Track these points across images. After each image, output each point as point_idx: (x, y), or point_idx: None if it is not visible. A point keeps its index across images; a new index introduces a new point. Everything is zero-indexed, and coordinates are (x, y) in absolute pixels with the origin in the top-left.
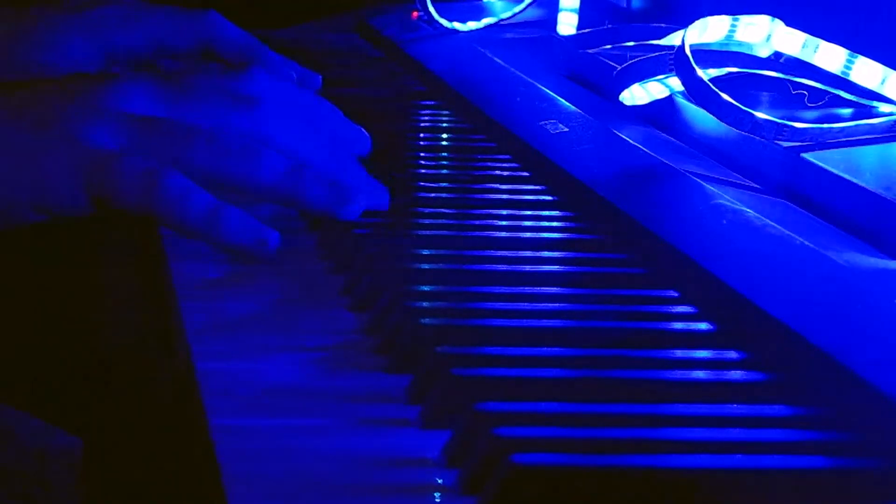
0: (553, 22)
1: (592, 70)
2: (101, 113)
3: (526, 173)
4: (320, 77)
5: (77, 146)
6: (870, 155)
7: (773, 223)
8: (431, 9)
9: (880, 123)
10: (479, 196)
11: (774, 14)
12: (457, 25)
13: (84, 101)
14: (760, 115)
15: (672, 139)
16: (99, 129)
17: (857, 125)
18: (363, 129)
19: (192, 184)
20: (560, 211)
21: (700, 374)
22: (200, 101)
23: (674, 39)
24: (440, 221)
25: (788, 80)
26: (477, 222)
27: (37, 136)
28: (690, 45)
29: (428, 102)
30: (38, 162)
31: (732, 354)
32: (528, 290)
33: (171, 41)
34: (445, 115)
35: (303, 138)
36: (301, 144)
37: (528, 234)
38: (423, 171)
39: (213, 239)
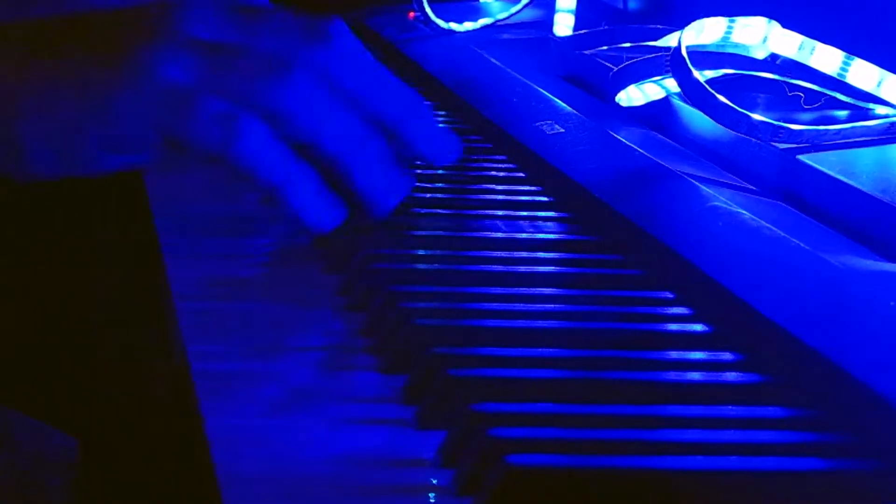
0: (549, 23)
1: (589, 71)
2: (171, 41)
3: (522, 174)
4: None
5: (149, 80)
6: (865, 157)
7: (768, 225)
8: (428, 9)
9: (876, 125)
10: (475, 196)
11: (771, 16)
12: (453, 26)
13: (154, 30)
14: (756, 116)
15: (668, 140)
16: (171, 60)
17: (853, 127)
18: (443, 134)
19: (270, 138)
20: (556, 212)
21: (695, 375)
22: (273, 32)
23: (670, 41)
24: (436, 222)
25: (785, 82)
26: (473, 222)
27: (108, 69)
28: (687, 47)
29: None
30: (109, 96)
31: (728, 356)
32: (523, 290)
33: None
34: (442, 116)
35: (369, 93)
36: (369, 98)
37: (523, 235)
38: (419, 171)
39: (281, 200)
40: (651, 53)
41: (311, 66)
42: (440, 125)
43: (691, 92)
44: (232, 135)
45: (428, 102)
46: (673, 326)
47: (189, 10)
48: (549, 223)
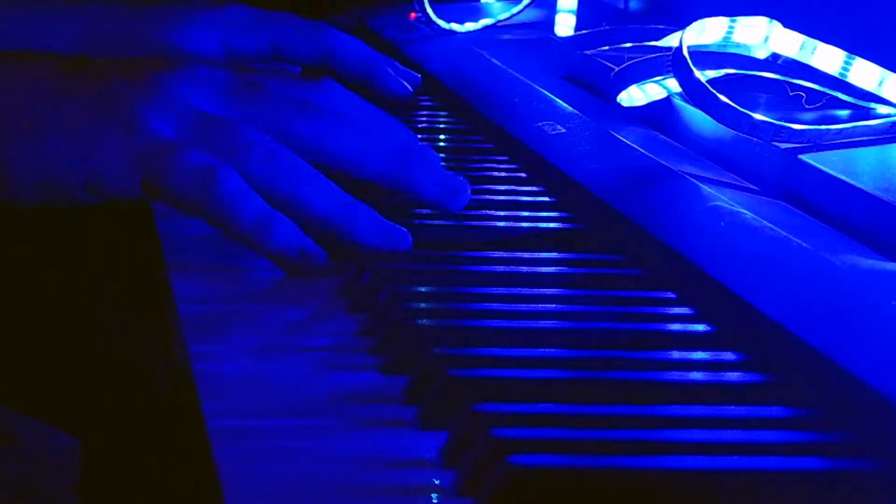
0: (551, 23)
1: (590, 71)
2: (164, 101)
3: (523, 174)
4: (419, 76)
5: (136, 131)
6: (867, 156)
7: (770, 225)
8: (429, 10)
9: (878, 125)
10: (476, 197)
11: (772, 15)
12: (454, 26)
13: (149, 87)
14: (758, 116)
15: (669, 140)
16: (160, 117)
17: (854, 127)
18: (431, 149)
19: (247, 187)
20: (558, 212)
21: (697, 375)
22: (265, 104)
23: (671, 41)
24: (438, 222)
25: (786, 82)
26: (474, 223)
27: (97, 117)
28: (688, 47)
29: (425, 103)
30: (95, 143)
31: (730, 356)
32: (525, 291)
33: (289, 50)
34: (443, 116)
35: (367, 153)
36: (367, 158)
37: (525, 235)
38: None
39: (259, 245)
40: (652, 53)
41: (301, 140)
42: (445, 169)
43: (693, 92)
44: (209, 184)
45: (432, 150)
46: (675, 326)
47: (190, 80)
48: (551, 223)
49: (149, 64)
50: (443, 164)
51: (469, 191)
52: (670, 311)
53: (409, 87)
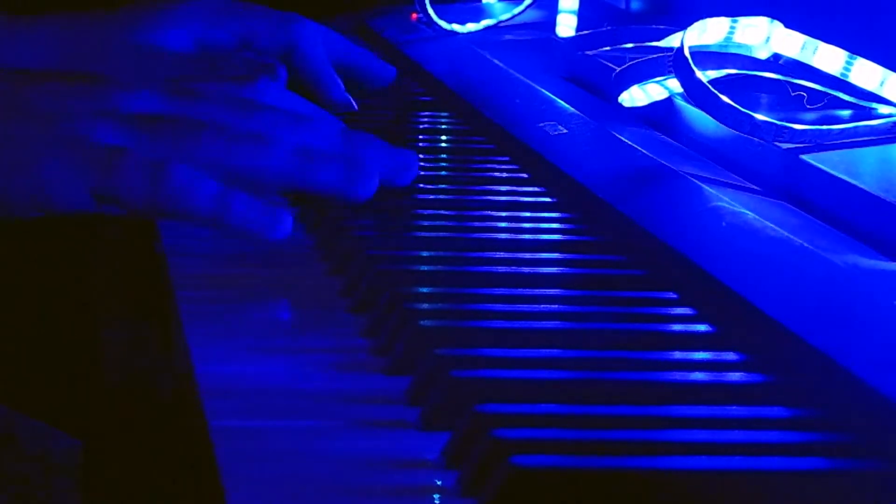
0: (552, 24)
1: (591, 72)
2: (106, 111)
3: (525, 175)
4: (394, 70)
5: (80, 143)
6: (869, 157)
7: (772, 225)
8: (430, 10)
9: (879, 125)
10: (478, 197)
11: (773, 16)
12: (456, 27)
13: (91, 100)
14: (759, 116)
15: (671, 141)
16: (103, 127)
17: (856, 127)
18: (380, 142)
19: (197, 172)
20: (559, 212)
21: (699, 375)
22: (205, 103)
23: (673, 41)
24: (439, 223)
25: (787, 82)
26: (476, 224)
27: (39, 132)
28: (689, 47)
29: (427, 104)
30: (39, 159)
31: (731, 356)
32: (527, 291)
33: (258, 40)
34: (444, 117)
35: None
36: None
37: (527, 236)
38: (422, 172)
39: (223, 224)
40: (654, 54)
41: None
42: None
43: (694, 92)
44: (158, 178)
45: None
46: (677, 327)
47: (130, 89)
48: (552, 224)
49: (88, 77)
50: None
51: (417, 161)
52: (672, 312)
53: (391, 68)
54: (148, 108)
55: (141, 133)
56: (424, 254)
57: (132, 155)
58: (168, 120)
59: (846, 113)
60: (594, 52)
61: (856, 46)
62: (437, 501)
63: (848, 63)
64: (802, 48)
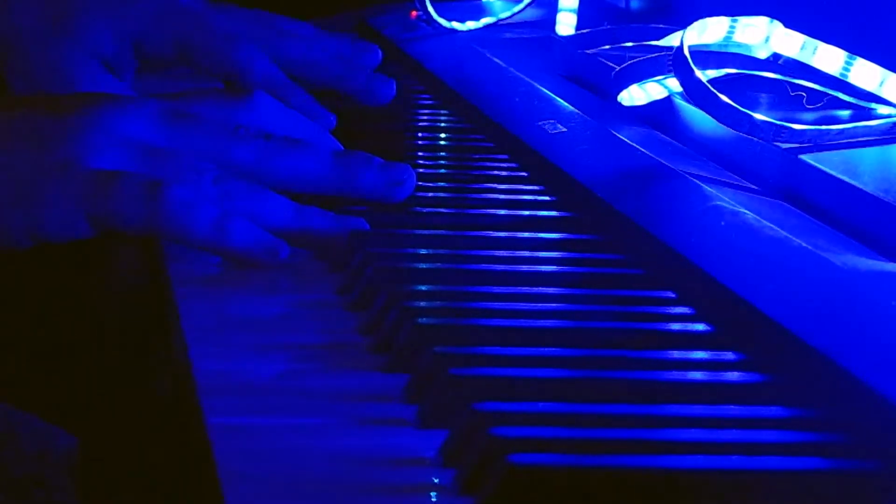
0: (552, 22)
1: (591, 70)
2: (100, 135)
3: (524, 173)
4: (334, 117)
5: (74, 169)
6: (868, 157)
7: (770, 224)
8: (430, 8)
9: (879, 125)
10: (477, 196)
11: (773, 15)
12: (456, 25)
13: (84, 124)
14: (759, 116)
15: (670, 140)
16: (96, 153)
17: (855, 127)
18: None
19: (195, 195)
20: (558, 211)
21: (697, 374)
22: (200, 134)
23: (672, 40)
24: (438, 221)
25: (787, 82)
26: (475, 222)
27: (33, 161)
28: (689, 46)
29: (426, 102)
30: (34, 188)
31: (730, 355)
32: (525, 290)
33: (196, 59)
34: (444, 115)
35: (304, 168)
36: (305, 173)
37: (525, 234)
38: (421, 170)
39: (221, 249)
40: (653, 53)
41: (242, 170)
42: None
43: (693, 91)
44: (155, 200)
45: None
46: (675, 326)
47: (122, 113)
48: (551, 222)
49: (80, 99)
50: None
51: (414, 176)
52: (670, 311)
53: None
54: (142, 130)
55: (136, 157)
56: (423, 251)
57: (128, 179)
58: (166, 150)
59: (845, 113)
60: (594, 50)
61: (855, 47)
62: (434, 499)
63: (847, 63)
64: (802, 48)
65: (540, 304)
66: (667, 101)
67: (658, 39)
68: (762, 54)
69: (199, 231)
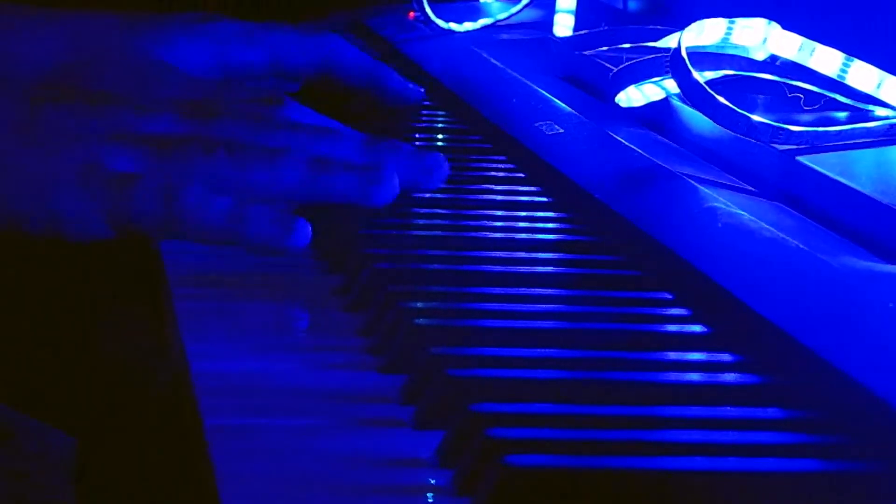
0: (549, 23)
1: (588, 72)
2: (121, 136)
3: (521, 174)
4: (422, 90)
5: (94, 171)
6: (865, 158)
7: (767, 226)
8: (428, 9)
9: (876, 127)
10: (474, 197)
11: (771, 17)
12: (453, 26)
13: (106, 124)
14: (756, 117)
15: (667, 141)
16: (118, 152)
17: (852, 129)
18: (412, 150)
19: (210, 192)
20: (555, 212)
21: (694, 376)
22: (220, 121)
23: (670, 42)
24: (435, 222)
25: (784, 83)
26: (472, 223)
27: (53, 160)
28: (686, 48)
29: (424, 103)
30: (55, 188)
31: (726, 357)
32: (522, 291)
33: (289, 60)
34: (441, 116)
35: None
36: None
37: (523, 236)
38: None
39: (239, 239)
40: (651, 54)
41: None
42: (414, 152)
43: (691, 93)
44: (172, 200)
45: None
46: (672, 327)
47: (146, 113)
48: (548, 223)
49: (103, 97)
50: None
51: (396, 181)
52: (667, 312)
53: (419, 88)
54: (163, 130)
55: (155, 157)
56: (420, 252)
57: (146, 181)
58: (182, 141)
59: (843, 115)
60: (591, 52)
61: (853, 48)
62: (430, 500)
63: (845, 65)
64: (799, 50)
65: (537, 306)
66: (664, 103)
67: (655, 41)
68: (760, 56)
69: (215, 224)
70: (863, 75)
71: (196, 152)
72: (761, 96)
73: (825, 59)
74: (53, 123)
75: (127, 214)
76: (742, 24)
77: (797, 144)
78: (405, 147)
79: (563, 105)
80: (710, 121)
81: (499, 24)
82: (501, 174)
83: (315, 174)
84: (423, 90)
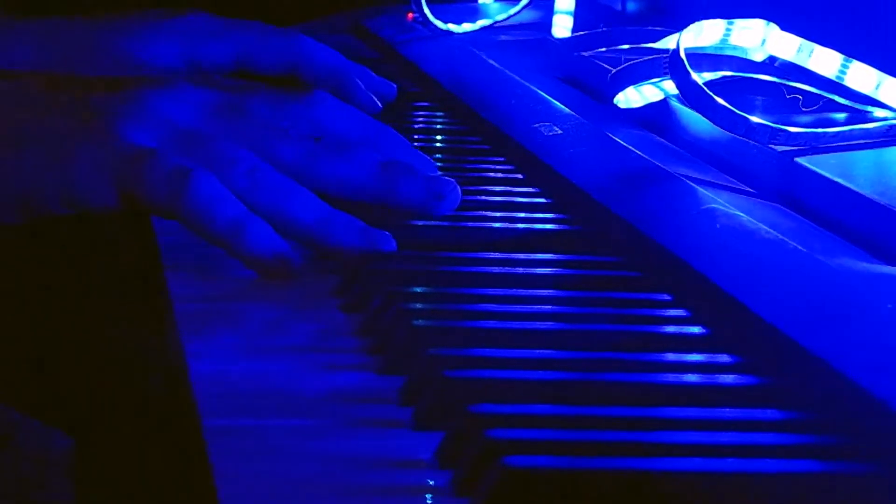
0: (548, 24)
1: (587, 73)
2: (144, 114)
3: (520, 175)
4: (395, 86)
5: (112, 141)
6: (864, 160)
7: (766, 227)
8: (427, 10)
9: (874, 128)
10: (472, 197)
11: (769, 18)
12: (452, 27)
13: (130, 101)
14: (755, 119)
15: (666, 142)
16: (138, 129)
17: (851, 130)
18: (429, 159)
19: (223, 190)
20: (554, 213)
21: (693, 377)
22: (247, 128)
23: (669, 43)
24: (434, 222)
25: (783, 85)
26: (471, 224)
27: (74, 130)
28: (685, 49)
29: (422, 104)
30: (71, 154)
31: (725, 358)
32: (521, 292)
33: (256, 57)
34: (440, 117)
35: (347, 176)
36: (346, 181)
37: (521, 237)
38: None
39: (234, 249)
40: (649, 55)
41: (285, 165)
42: (430, 175)
43: (689, 94)
44: (183, 187)
45: (420, 155)
46: (670, 328)
47: (172, 97)
48: (546, 224)
49: (133, 81)
50: (436, 164)
51: (459, 191)
52: (666, 314)
53: (377, 102)
54: (187, 115)
55: (174, 139)
56: (419, 253)
57: (159, 158)
58: (205, 136)
59: (841, 116)
60: (590, 53)
61: (852, 49)
62: (429, 501)
63: (843, 66)
64: (798, 51)
65: (535, 307)
66: (663, 104)
67: (654, 42)
68: (758, 57)
69: (216, 228)
70: (861, 76)
71: (216, 152)
72: (760, 97)
73: (824, 61)
74: (74, 97)
75: (135, 188)
76: (741, 25)
77: (796, 146)
78: (420, 172)
79: (562, 106)
80: (709, 122)
81: (497, 25)
82: (500, 175)
83: (324, 225)
84: (395, 87)
